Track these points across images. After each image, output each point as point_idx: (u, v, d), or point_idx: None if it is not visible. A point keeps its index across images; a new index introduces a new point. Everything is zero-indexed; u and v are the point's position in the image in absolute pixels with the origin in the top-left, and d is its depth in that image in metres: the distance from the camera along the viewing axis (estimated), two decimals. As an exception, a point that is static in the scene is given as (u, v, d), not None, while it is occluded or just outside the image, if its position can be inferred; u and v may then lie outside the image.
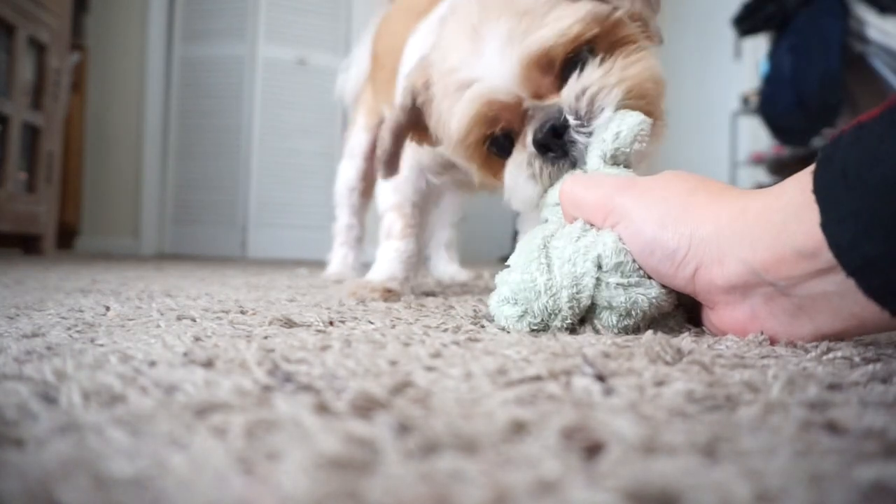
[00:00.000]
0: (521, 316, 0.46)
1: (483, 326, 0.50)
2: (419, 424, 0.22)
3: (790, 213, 0.36)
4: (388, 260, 0.83)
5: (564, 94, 0.54)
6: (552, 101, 0.54)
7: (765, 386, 0.29)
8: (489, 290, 0.97)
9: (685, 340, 0.41)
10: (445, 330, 0.47)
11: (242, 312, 0.57)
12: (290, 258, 3.19)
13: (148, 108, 3.55)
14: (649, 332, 0.43)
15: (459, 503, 0.16)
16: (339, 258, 1.30)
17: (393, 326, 0.49)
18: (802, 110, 2.21)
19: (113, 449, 0.19)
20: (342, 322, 0.51)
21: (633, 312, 0.45)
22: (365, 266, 1.02)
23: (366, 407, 0.24)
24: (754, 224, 0.37)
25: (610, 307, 0.45)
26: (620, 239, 0.44)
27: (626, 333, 0.45)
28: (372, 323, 0.51)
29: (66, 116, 2.48)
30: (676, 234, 0.41)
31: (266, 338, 0.41)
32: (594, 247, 0.44)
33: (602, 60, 0.55)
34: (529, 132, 0.55)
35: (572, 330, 0.46)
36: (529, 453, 0.19)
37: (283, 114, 3.60)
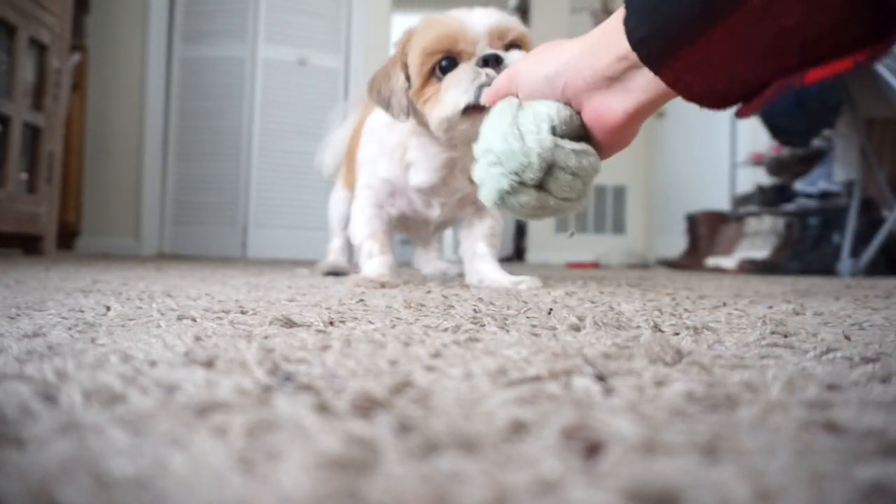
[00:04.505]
0: (502, 174, 0.58)
1: (483, 326, 0.50)
2: (419, 424, 0.22)
3: (613, 30, 0.49)
4: (375, 267, 1.09)
5: (501, 52, 0.92)
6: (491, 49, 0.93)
7: (764, 386, 0.29)
8: (475, 287, 0.97)
9: (685, 341, 0.41)
10: (445, 330, 0.47)
11: (243, 312, 0.57)
12: (290, 258, 3.19)
13: (148, 109, 3.55)
14: (649, 333, 0.43)
15: (459, 503, 0.16)
16: (336, 249, 1.55)
17: (393, 326, 0.49)
18: (802, 111, 2.21)
19: (113, 449, 0.19)
20: (342, 322, 0.51)
21: (579, 172, 0.57)
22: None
23: (366, 407, 0.24)
24: (594, 44, 0.52)
25: (565, 168, 0.57)
26: (559, 110, 0.58)
27: (574, 197, 0.59)
28: (372, 323, 0.51)
29: (66, 117, 2.49)
30: (550, 65, 0.57)
31: (266, 338, 0.41)
32: (547, 117, 0.57)
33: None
34: (474, 59, 0.91)
35: (539, 186, 0.58)
36: (529, 453, 0.19)
37: (283, 114, 3.59)
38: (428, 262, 1.54)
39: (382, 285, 0.98)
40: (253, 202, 3.56)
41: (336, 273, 1.44)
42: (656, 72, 0.45)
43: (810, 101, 2.17)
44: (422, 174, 1.06)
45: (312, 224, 3.50)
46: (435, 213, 1.12)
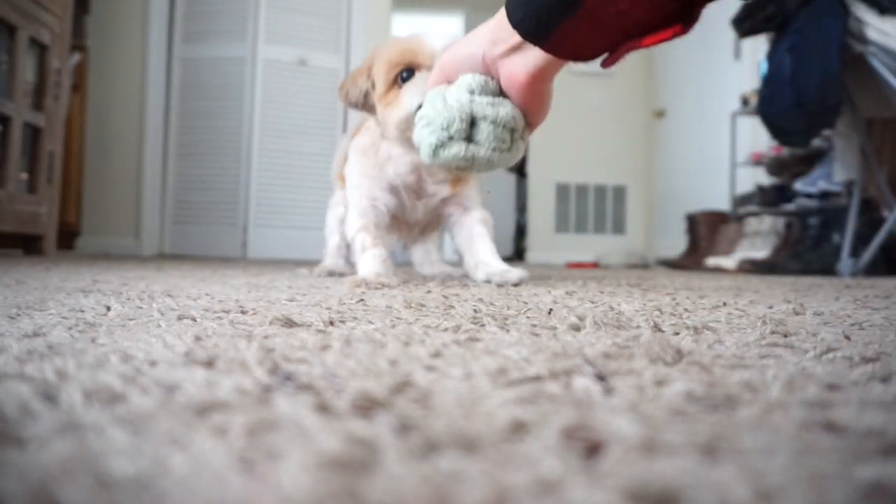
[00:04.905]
0: (432, 132, 0.69)
1: (483, 326, 0.50)
2: (419, 424, 0.22)
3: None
4: (370, 264, 1.12)
5: None
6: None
7: (764, 386, 0.29)
8: (475, 285, 0.97)
9: (685, 341, 0.41)
10: (445, 330, 0.47)
11: (243, 312, 0.57)
12: (290, 258, 3.19)
13: (148, 109, 3.55)
14: (649, 333, 0.43)
15: (459, 503, 0.16)
16: (333, 248, 1.57)
17: (393, 326, 0.49)
18: (802, 110, 2.21)
19: (114, 448, 0.19)
20: (342, 322, 0.51)
21: (498, 121, 0.67)
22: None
23: (366, 407, 0.24)
24: (497, 24, 0.63)
25: (484, 118, 0.67)
26: (474, 77, 0.68)
27: (504, 147, 0.69)
28: (372, 323, 0.51)
29: (66, 117, 2.49)
30: (470, 45, 0.68)
31: (266, 337, 0.41)
32: (465, 83, 0.68)
33: None
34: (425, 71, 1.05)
35: (469, 139, 0.69)
36: (529, 453, 0.19)
37: (284, 114, 3.59)
38: (430, 264, 1.56)
39: (382, 286, 0.99)
40: (253, 202, 3.56)
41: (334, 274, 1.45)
42: (536, 44, 0.59)
43: (810, 100, 2.17)
44: (397, 167, 1.19)
45: (313, 224, 3.50)
46: (418, 214, 1.23)
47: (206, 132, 3.60)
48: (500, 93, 0.67)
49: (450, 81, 0.71)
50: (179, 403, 0.24)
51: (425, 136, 0.70)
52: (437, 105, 0.69)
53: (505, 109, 0.67)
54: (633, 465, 0.19)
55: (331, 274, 1.46)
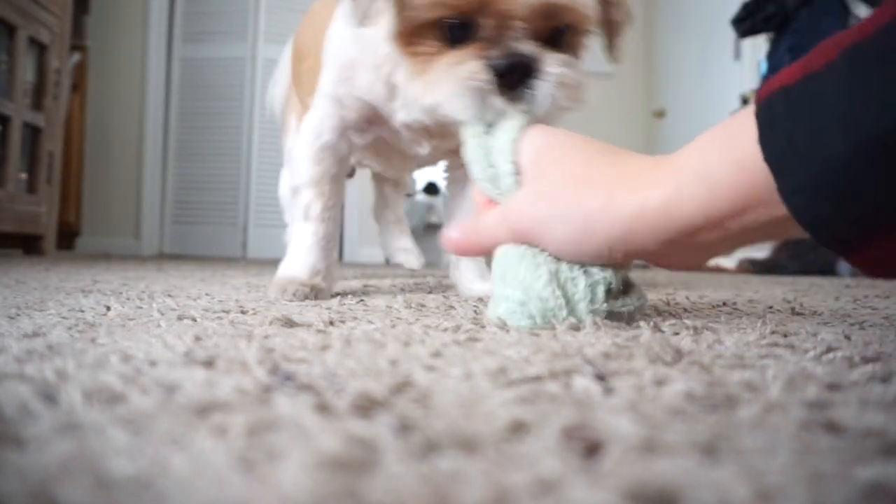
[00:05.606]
0: (525, 314, 0.48)
1: (483, 326, 0.50)
2: (419, 424, 0.22)
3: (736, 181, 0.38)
4: (305, 247, 0.77)
5: (537, 50, 0.56)
6: (528, 43, 0.56)
7: (764, 386, 0.29)
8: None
9: (685, 341, 0.41)
10: (445, 330, 0.47)
11: (243, 312, 0.57)
12: (290, 258, 3.19)
13: (148, 109, 3.55)
14: (648, 333, 0.43)
15: (459, 503, 0.16)
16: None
17: (393, 326, 0.49)
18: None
19: (113, 448, 0.19)
20: (342, 322, 0.51)
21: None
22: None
23: (366, 407, 0.24)
24: (693, 187, 0.40)
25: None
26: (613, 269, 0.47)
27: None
28: (372, 323, 0.51)
29: (66, 117, 2.49)
30: (596, 243, 0.44)
31: (266, 337, 0.41)
32: (604, 280, 0.47)
33: (566, 47, 0.59)
34: (494, 47, 0.56)
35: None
36: (529, 453, 0.19)
37: (284, 114, 3.59)
38: (405, 251, 1.22)
39: (311, 294, 0.73)
40: (253, 202, 3.56)
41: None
42: (843, 255, 0.38)
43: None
44: (414, 110, 0.70)
45: (312, 224, 3.49)
46: (424, 150, 0.80)
47: (206, 132, 3.60)
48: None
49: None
50: (179, 403, 0.24)
51: (512, 315, 0.49)
52: (550, 306, 0.47)
53: (642, 314, 0.51)
54: (633, 464, 0.19)
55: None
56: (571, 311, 0.46)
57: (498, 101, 0.55)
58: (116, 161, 3.54)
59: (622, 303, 0.48)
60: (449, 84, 0.57)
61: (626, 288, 0.49)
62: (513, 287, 0.48)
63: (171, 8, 3.62)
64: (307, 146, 0.78)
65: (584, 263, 0.47)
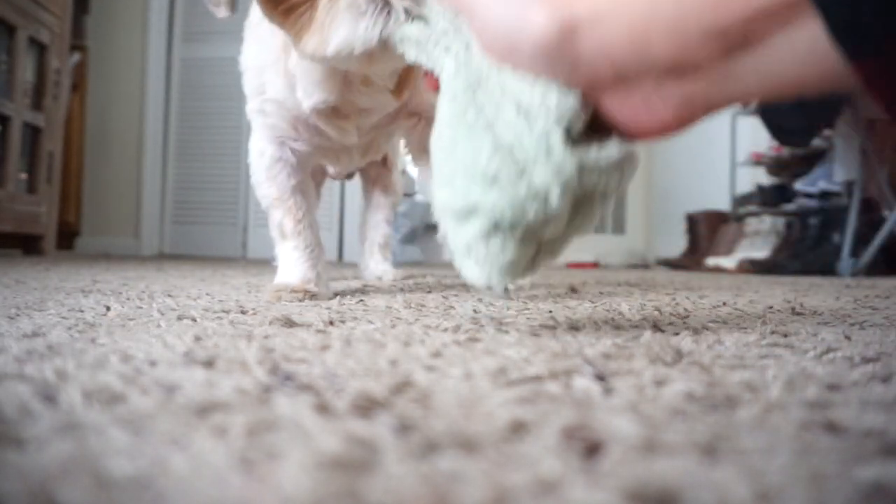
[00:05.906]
0: (509, 240, 0.37)
1: (483, 326, 0.50)
2: (419, 424, 0.22)
3: None
4: (292, 261, 0.79)
5: None
6: None
7: (764, 386, 0.29)
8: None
9: (685, 341, 0.41)
10: (445, 330, 0.47)
11: (243, 312, 0.57)
12: (290, 258, 3.19)
13: (148, 109, 3.55)
14: (648, 333, 0.43)
15: (459, 503, 0.16)
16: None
17: (393, 326, 0.49)
18: (802, 110, 2.21)
19: (113, 449, 0.19)
20: (342, 322, 0.51)
21: (616, 192, 0.37)
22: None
23: (366, 407, 0.24)
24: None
25: (598, 195, 0.37)
26: (560, 95, 0.34)
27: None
28: (372, 323, 0.51)
29: (66, 117, 2.48)
30: (541, 19, 0.32)
31: (266, 337, 0.41)
32: (556, 114, 0.34)
33: None
34: None
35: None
36: (529, 453, 0.19)
37: (284, 114, 3.59)
38: (370, 262, 1.21)
39: (308, 296, 0.75)
40: (253, 202, 3.55)
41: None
42: (853, 56, 0.29)
43: (810, 100, 2.17)
44: (312, 91, 0.70)
45: (312, 224, 3.49)
46: (352, 138, 0.78)
47: (206, 132, 3.59)
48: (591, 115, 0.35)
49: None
50: (179, 403, 0.24)
51: (493, 255, 0.38)
52: (502, 183, 0.35)
53: (631, 169, 0.36)
54: (633, 465, 0.19)
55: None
56: (529, 176, 0.34)
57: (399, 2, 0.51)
58: (116, 161, 3.54)
59: (598, 150, 0.34)
60: (341, 18, 0.54)
61: (597, 127, 0.35)
62: (457, 179, 0.36)
63: (171, 8, 3.62)
64: (256, 167, 0.83)
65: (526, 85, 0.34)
